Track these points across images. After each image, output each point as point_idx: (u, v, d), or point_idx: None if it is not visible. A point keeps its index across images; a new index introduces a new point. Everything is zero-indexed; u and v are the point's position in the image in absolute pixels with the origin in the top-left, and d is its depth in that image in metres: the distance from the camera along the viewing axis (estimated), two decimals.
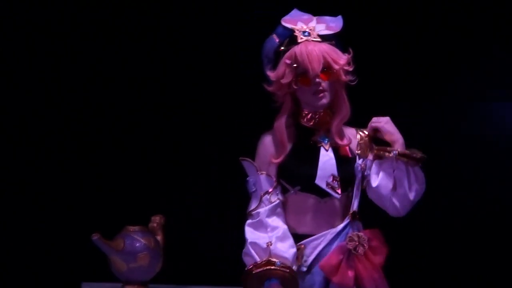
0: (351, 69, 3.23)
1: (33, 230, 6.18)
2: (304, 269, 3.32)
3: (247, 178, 3.36)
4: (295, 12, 3.43)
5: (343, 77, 3.21)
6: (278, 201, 3.25)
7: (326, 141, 3.29)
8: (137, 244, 4.15)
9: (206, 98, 6.36)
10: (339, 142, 3.27)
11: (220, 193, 6.27)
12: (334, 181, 3.26)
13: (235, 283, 4.06)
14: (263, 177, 3.29)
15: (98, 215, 5.20)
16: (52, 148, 6.20)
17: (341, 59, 3.20)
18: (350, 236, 3.27)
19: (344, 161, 3.29)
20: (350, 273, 3.29)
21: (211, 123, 5.79)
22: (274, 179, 3.26)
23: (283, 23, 3.35)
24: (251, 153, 3.42)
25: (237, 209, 3.77)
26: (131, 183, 5.92)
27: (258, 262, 3.20)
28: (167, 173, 5.85)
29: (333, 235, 3.28)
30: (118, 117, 6.12)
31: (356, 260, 3.29)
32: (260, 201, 3.29)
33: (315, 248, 3.31)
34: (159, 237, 4.21)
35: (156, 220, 4.30)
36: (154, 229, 4.23)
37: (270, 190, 3.29)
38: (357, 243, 3.28)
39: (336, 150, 3.27)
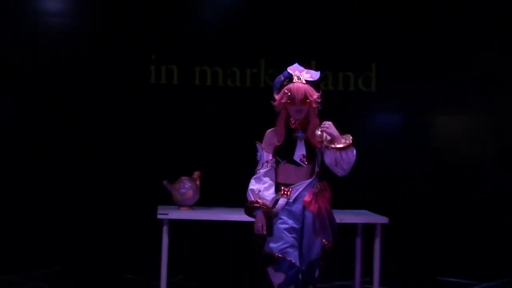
0: (319, 100, 5.00)
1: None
2: (291, 201, 5.04)
3: (257, 153, 5.15)
4: (295, 65, 5.15)
5: (314, 105, 4.99)
6: (271, 168, 5.04)
7: (300, 136, 5.06)
8: (186, 186, 6.44)
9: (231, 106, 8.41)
10: (310, 139, 5.03)
11: (236, 161, 7.92)
12: (304, 158, 5.07)
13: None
14: (265, 153, 5.08)
15: (166, 170, 7.07)
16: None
17: (314, 95, 4.99)
18: (316, 185, 5.07)
19: (310, 147, 5.06)
20: (316, 205, 5.04)
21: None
22: (271, 155, 5.04)
23: (288, 69, 5.13)
24: (260, 139, 5.15)
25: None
26: (183, 151, 8.09)
27: (251, 200, 5.01)
28: (206, 147, 8.10)
29: (305, 184, 5.05)
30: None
31: (319, 198, 5.05)
32: (262, 165, 5.07)
33: (296, 190, 5.05)
34: (197, 182, 6.46)
35: (196, 173, 6.55)
36: (195, 178, 6.50)
37: (269, 159, 5.06)
38: (319, 189, 5.07)
39: (307, 141, 5.03)
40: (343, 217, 6.33)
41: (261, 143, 5.17)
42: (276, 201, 5.08)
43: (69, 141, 8.47)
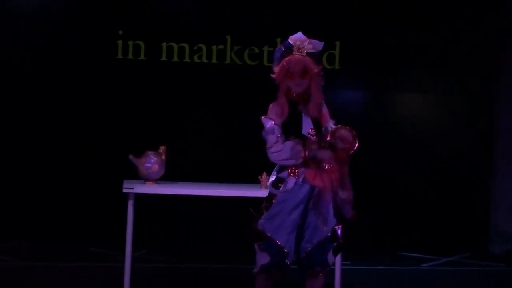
0: (321, 73, 4.74)
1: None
2: (300, 180, 4.74)
3: (266, 128, 4.72)
4: (299, 34, 4.82)
5: (315, 78, 4.74)
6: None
7: (304, 110, 4.77)
8: (152, 160, 6.31)
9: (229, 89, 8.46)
10: (314, 112, 4.75)
11: (201, 137, 8.22)
12: (312, 131, 4.77)
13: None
14: (277, 127, 4.72)
15: (132, 146, 6.87)
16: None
17: (315, 69, 4.73)
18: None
19: (315, 121, 4.80)
20: (322, 180, 4.70)
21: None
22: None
23: (289, 40, 4.80)
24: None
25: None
26: (149, 127, 8.18)
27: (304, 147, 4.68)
28: (172, 122, 8.16)
29: None
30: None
31: (324, 172, 4.73)
32: (277, 139, 4.69)
33: (305, 169, 4.73)
34: (163, 157, 6.35)
35: (162, 148, 6.41)
36: (160, 153, 6.37)
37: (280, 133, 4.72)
38: (326, 163, 4.72)
39: (310, 114, 4.74)
40: None
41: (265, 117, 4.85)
42: (281, 180, 4.84)
43: (34, 116, 8.47)
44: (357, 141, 4.88)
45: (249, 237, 4.90)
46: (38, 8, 8.47)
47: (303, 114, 4.82)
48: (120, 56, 8.52)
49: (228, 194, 6.28)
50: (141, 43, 8.57)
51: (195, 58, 8.61)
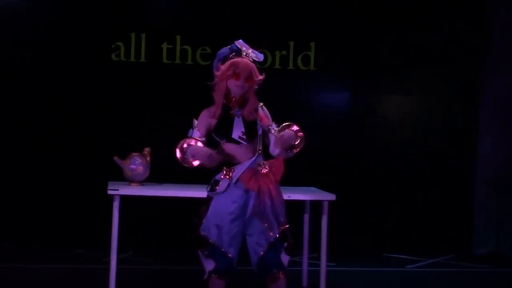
0: (260, 82, 4.76)
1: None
2: (233, 182, 4.75)
3: (190, 130, 4.90)
4: (241, 41, 4.87)
5: (255, 85, 4.78)
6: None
7: (238, 113, 4.80)
8: (137, 162, 6.37)
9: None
10: (249, 116, 4.77)
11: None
12: (243, 135, 4.78)
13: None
14: (196, 131, 4.82)
15: (117, 147, 6.91)
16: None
17: (259, 76, 4.78)
18: (259, 163, 4.77)
19: (249, 125, 4.80)
20: (257, 183, 4.73)
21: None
22: (200, 134, 4.78)
23: (236, 44, 4.85)
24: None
25: None
26: (134, 129, 8.16)
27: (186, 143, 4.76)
28: (156, 123, 8.17)
29: (248, 163, 4.76)
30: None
31: (260, 176, 4.77)
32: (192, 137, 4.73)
33: (239, 171, 4.75)
34: (148, 158, 6.42)
35: (146, 150, 6.48)
36: (145, 154, 6.44)
37: (198, 137, 4.78)
38: (263, 167, 4.78)
39: (245, 119, 4.76)
40: (292, 194, 6.33)
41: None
42: (217, 182, 4.84)
43: (16, 118, 8.43)
44: (300, 141, 4.91)
45: (194, 245, 4.89)
46: (36, 7, 8.46)
47: (235, 118, 4.84)
48: (104, 57, 8.48)
49: None
50: (122, 44, 8.55)
51: (182, 59, 8.58)
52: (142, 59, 8.57)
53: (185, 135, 7.37)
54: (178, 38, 8.62)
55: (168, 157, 7.51)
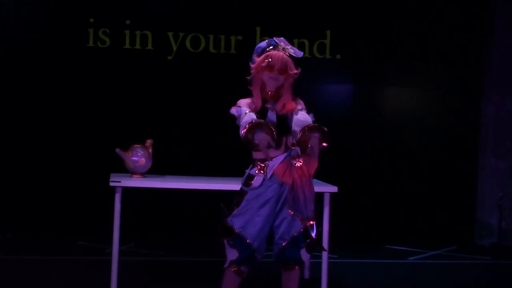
0: (296, 76, 4.78)
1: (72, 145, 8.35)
2: (268, 177, 4.74)
3: (238, 116, 4.71)
4: (282, 38, 4.87)
5: (290, 78, 4.77)
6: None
7: (270, 107, 4.77)
8: (139, 154, 6.31)
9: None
10: (282, 110, 4.75)
11: (187, 130, 8.17)
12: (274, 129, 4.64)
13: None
14: (248, 111, 4.70)
15: (119, 139, 6.97)
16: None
17: (294, 70, 4.78)
18: (293, 157, 4.74)
19: (281, 119, 4.77)
20: (291, 177, 4.71)
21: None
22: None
23: (275, 39, 4.84)
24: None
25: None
26: (136, 121, 8.16)
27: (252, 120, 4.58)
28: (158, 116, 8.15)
29: (281, 158, 4.74)
30: None
31: (294, 170, 4.74)
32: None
33: (273, 165, 4.74)
34: (150, 150, 6.35)
35: (148, 141, 6.41)
36: (147, 146, 6.37)
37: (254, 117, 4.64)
38: (298, 161, 4.73)
39: (277, 112, 4.75)
40: None
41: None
42: (252, 177, 4.83)
43: (19, 110, 8.42)
44: (323, 144, 4.90)
45: (219, 233, 4.88)
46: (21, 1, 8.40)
47: (269, 111, 4.82)
48: (106, 49, 8.47)
49: (215, 188, 6.26)
50: (127, 34, 8.53)
51: (183, 49, 8.55)
52: (145, 48, 8.54)
53: (186, 127, 7.39)
54: (184, 27, 8.59)
55: (170, 148, 7.69)
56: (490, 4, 9.04)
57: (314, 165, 4.84)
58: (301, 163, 4.77)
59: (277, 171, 4.76)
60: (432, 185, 9.01)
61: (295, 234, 4.81)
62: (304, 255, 4.94)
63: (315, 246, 4.95)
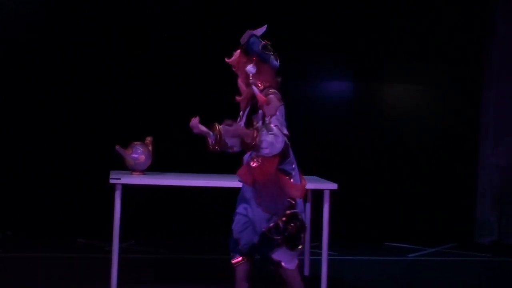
0: (247, 67, 4.93)
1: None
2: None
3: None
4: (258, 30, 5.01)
5: (242, 74, 5.02)
6: None
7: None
8: (138, 151, 6.32)
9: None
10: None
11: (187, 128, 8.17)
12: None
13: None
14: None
15: (119, 136, 6.81)
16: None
17: (242, 60, 5.00)
18: (251, 157, 4.92)
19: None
20: (250, 177, 4.91)
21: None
22: None
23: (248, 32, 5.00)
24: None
25: None
26: (136, 118, 8.15)
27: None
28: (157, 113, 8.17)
29: (246, 158, 4.99)
30: None
31: (253, 170, 4.87)
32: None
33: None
34: (149, 147, 6.37)
35: (148, 139, 6.42)
36: (147, 143, 6.39)
37: None
38: (255, 161, 4.87)
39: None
40: None
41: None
42: None
43: (19, 109, 8.43)
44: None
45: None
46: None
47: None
48: (105, 47, 8.46)
49: (215, 185, 6.31)
50: (126, 35, 8.52)
51: (184, 47, 8.55)
52: (145, 47, 8.54)
53: (186, 124, 7.29)
54: (185, 26, 8.61)
55: (170, 146, 7.67)
56: (491, 4, 9.04)
57: (272, 164, 4.83)
58: (257, 164, 4.83)
59: (239, 173, 4.95)
60: (432, 183, 9.02)
61: (263, 230, 4.90)
62: (282, 253, 4.96)
63: (292, 242, 4.94)
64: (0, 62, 8.40)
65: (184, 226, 8.44)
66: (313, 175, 6.98)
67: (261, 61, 5.00)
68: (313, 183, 6.57)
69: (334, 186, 6.40)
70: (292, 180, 4.93)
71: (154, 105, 8.45)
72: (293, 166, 4.99)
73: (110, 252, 6.23)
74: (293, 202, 4.94)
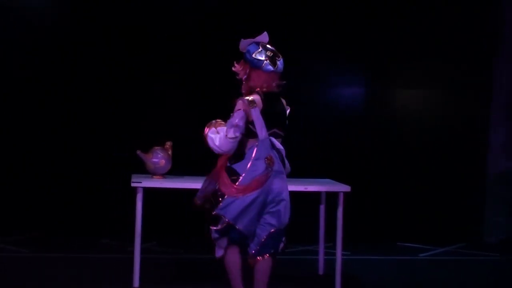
0: (239, 76, 5.27)
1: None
2: None
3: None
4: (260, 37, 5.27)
5: (242, 80, 5.30)
6: None
7: None
8: (159, 155, 6.38)
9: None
10: None
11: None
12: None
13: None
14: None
15: (140, 142, 6.85)
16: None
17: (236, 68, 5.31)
18: None
19: None
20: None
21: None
22: None
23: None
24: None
25: None
26: (156, 123, 8.18)
27: None
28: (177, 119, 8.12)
29: None
30: None
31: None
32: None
33: None
34: (169, 152, 6.43)
35: (168, 144, 6.48)
36: (167, 148, 6.45)
37: None
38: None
39: None
40: (308, 185, 6.44)
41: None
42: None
43: (49, 112, 8.46)
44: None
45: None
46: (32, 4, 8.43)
47: None
48: (124, 52, 8.48)
49: None
50: (144, 37, 8.51)
51: (201, 52, 8.52)
52: (164, 51, 8.51)
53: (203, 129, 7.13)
54: (197, 32, 8.59)
55: (189, 150, 7.65)
56: (499, 13, 8.95)
57: (220, 160, 5.32)
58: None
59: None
60: (442, 184, 9.00)
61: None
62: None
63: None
64: (33, 64, 8.40)
65: (203, 227, 8.42)
66: (326, 178, 7.00)
67: (253, 67, 5.18)
68: (326, 186, 6.60)
69: (347, 188, 6.41)
70: (231, 180, 5.18)
71: (174, 111, 8.45)
72: (247, 168, 5.13)
73: (132, 252, 6.26)
74: (222, 196, 5.21)
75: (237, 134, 5.11)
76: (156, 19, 8.62)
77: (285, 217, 5.22)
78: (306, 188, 6.38)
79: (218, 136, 5.13)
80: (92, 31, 8.48)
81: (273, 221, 5.19)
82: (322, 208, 6.88)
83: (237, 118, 5.10)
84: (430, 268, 7.75)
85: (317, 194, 6.79)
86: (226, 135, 5.10)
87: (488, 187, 9.09)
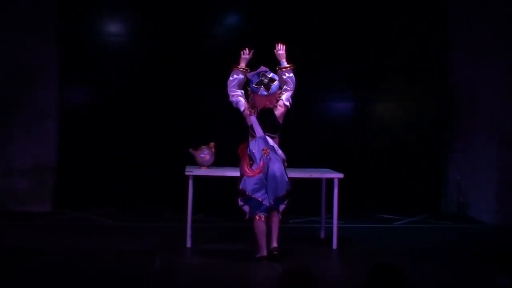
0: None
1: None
2: None
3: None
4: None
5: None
6: None
7: None
8: (205, 152, 6.53)
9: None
10: None
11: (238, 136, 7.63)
12: None
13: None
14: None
15: (191, 141, 6.82)
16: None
17: None
18: None
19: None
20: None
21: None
22: None
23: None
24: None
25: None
26: (203, 128, 8.04)
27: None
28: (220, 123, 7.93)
29: None
30: None
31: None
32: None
33: None
34: (213, 150, 6.52)
35: (212, 144, 6.57)
36: (211, 147, 6.54)
37: None
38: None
39: None
40: (313, 173, 6.55)
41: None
42: None
43: (130, 119, 8.32)
44: None
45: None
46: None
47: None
48: (185, 58, 8.23)
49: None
50: (193, 42, 8.21)
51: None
52: (211, 58, 8.15)
53: (244, 133, 6.94)
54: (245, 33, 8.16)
55: (227, 148, 7.58)
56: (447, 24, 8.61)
57: (242, 146, 5.72)
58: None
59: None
60: (412, 172, 8.79)
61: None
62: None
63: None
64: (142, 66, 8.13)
65: (235, 203, 8.28)
66: (325, 168, 7.02)
67: (253, 93, 5.67)
68: (326, 173, 6.64)
69: (340, 175, 6.45)
70: (246, 164, 5.62)
71: (217, 116, 8.15)
72: (254, 158, 5.60)
73: (185, 221, 6.32)
74: (241, 176, 5.62)
75: (235, 76, 5.66)
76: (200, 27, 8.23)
77: (282, 187, 5.61)
78: (311, 175, 6.48)
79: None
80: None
81: (275, 191, 5.64)
82: (323, 189, 6.88)
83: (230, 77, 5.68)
84: (402, 233, 7.65)
85: (319, 179, 6.78)
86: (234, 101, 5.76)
87: (445, 173, 8.91)
